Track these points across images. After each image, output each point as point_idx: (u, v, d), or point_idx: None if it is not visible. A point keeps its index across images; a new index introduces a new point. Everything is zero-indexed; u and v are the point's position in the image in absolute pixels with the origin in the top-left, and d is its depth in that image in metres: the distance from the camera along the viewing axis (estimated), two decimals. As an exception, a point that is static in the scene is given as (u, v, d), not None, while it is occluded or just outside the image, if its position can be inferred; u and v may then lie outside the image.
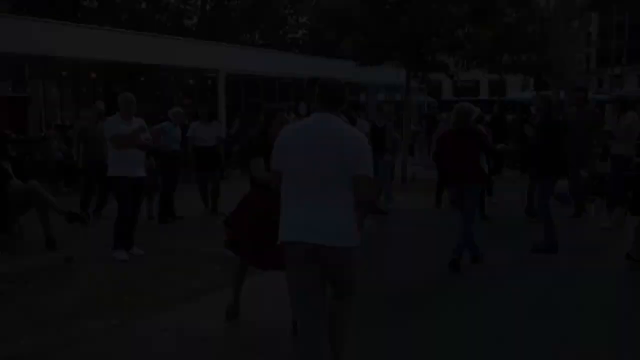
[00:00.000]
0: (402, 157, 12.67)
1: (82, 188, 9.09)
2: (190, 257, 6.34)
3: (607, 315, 4.49)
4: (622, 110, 7.81)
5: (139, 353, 3.91)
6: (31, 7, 20.72)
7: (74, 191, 11.41)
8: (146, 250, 6.56)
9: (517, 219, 8.47)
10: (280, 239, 3.14)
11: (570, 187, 8.73)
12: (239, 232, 4.24)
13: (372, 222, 6.99)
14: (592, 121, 8.12)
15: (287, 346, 3.91)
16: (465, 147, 5.78)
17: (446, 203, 9.55)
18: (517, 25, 17.90)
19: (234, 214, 4.39)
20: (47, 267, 5.89)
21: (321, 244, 3.02)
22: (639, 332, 4.17)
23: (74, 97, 23.10)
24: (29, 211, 7.34)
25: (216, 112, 18.87)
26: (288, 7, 40.87)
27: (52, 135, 12.73)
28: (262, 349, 3.92)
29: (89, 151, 8.67)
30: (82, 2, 25.38)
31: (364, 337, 3.92)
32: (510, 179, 12.50)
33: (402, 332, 4.18)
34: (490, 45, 16.16)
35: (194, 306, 4.81)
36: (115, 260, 6.14)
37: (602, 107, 22.29)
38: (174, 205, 8.61)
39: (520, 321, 4.35)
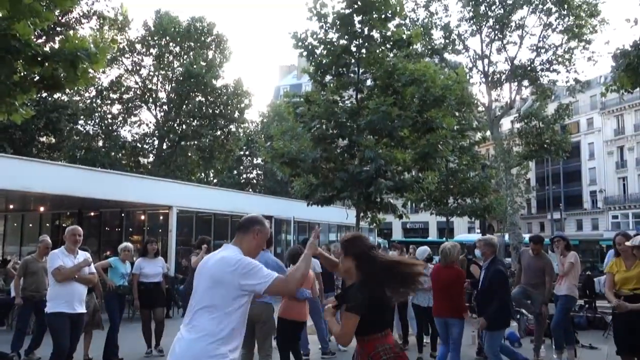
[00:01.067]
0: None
1: (15, 326, 8.57)
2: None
3: None
4: (565, 249, 8.13)
5: None
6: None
7: (6, 329, 10.75)
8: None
9: (468, 360, 8.37)
10: None
11: (520, 327, 8.80)
12: None
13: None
14: (544, 268, 8.35)
15: None
16: (448, 283, 6.43)
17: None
18: (460, 171, 19.00)
19: None
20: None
21: None
22: None
23: (19, 231, 22.55)
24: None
25: (166, 248, 18.62)
26: (243, 149, 42.31)
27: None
28: None
29: (28, 286, 8.33)
30: (39, 137, 25.65)
31: None
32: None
33: None
34: (436, 189, 16.97)
35: None
36: (43, 406, 5.69)
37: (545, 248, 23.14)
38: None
39: None
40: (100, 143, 32.81)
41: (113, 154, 32.48)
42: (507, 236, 28.98)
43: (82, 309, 6.20)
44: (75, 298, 6.08)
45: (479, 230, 30.21)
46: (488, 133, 24.21)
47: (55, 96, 24.11)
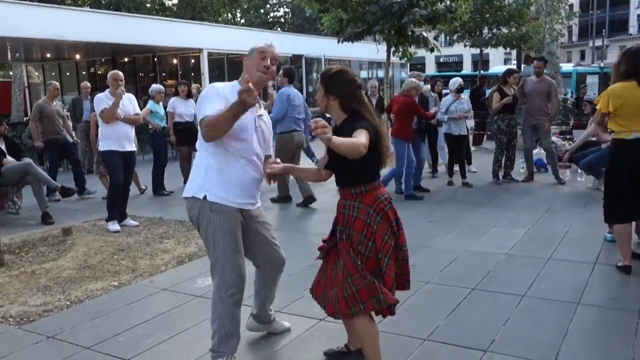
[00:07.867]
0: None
1: (47, 169, 8.79)
2: (181, 227, 6.61)
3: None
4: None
5: (138, 309, 4.20)
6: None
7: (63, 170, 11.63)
8: (139, 222, 6.85)
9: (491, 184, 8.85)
10: None
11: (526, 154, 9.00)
12: None
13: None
14: (547, 91, 8.40)
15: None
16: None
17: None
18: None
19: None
20: (46, 238, 6.15)
21: None
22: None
23: (58, 80, 23.12)
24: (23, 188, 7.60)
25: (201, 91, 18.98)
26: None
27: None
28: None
29: (46, 130, 8.65)
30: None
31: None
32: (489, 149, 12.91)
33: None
34: (470, 19, 16.40)
35: (187, 268, 5.10)
36: (109, 231, 6.42)
37: (584, 78, 22.73)
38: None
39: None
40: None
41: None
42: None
43: (132, 147, 6.68)
44: (123, 138, 6.52)
45: (514, 62, 29.47)
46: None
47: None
